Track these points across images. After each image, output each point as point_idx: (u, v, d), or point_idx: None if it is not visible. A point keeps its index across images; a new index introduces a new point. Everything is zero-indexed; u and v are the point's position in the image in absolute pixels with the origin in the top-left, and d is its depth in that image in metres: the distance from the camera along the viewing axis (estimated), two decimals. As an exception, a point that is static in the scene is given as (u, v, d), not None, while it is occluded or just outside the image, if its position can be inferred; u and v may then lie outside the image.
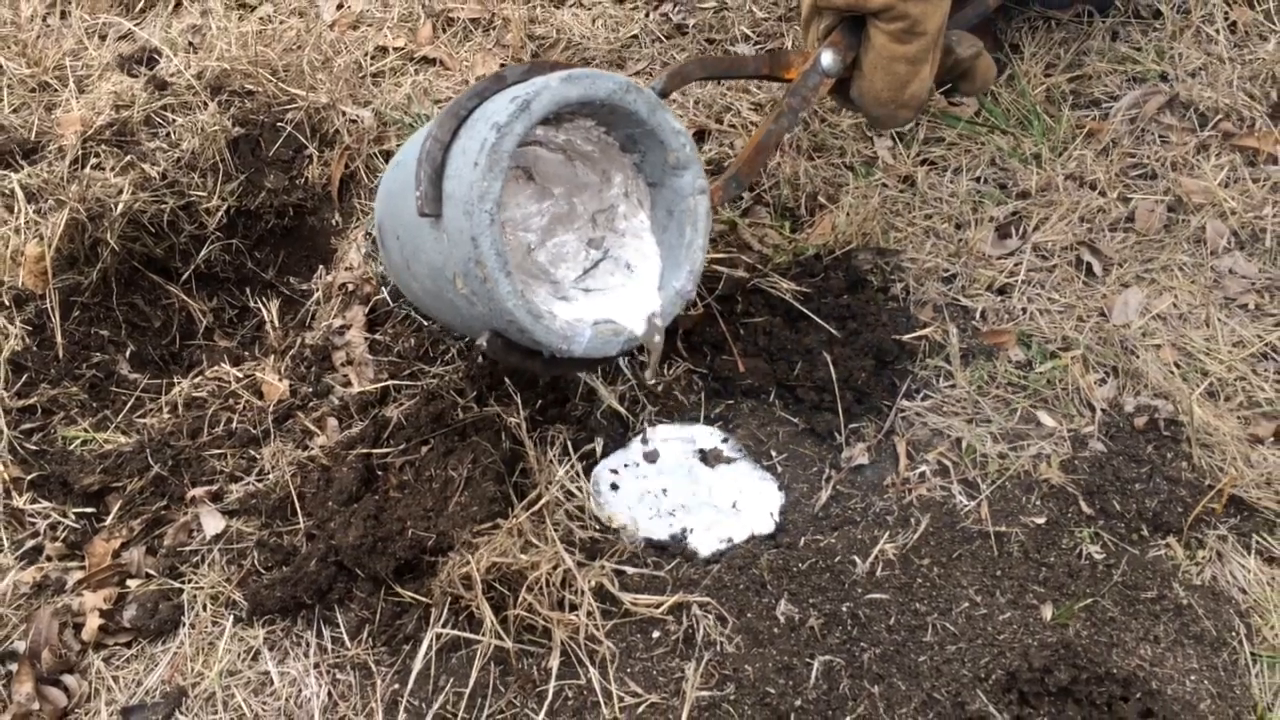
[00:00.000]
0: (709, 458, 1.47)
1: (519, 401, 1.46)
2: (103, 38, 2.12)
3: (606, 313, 1.36)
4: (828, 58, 1.46)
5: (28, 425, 1.56)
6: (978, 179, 1.82)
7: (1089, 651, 1.26)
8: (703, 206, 1.38)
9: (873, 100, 1.48)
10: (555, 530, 1.35)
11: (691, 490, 1.44)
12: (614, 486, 1.44)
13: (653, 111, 1.32)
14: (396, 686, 1.29)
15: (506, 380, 1.50)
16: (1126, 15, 2.02)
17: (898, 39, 1.41)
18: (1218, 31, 1.97)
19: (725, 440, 1.49)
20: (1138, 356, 1.55)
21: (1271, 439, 1.48)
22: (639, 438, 1.49)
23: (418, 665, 1.28)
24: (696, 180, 1.37)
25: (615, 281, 1.43)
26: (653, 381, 1.49)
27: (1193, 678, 1.28)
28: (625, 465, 1.46)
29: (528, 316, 1.24)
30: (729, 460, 1.47)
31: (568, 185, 1.44)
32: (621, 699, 1.24)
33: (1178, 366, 1.55)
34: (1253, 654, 1.30)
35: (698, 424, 1.51)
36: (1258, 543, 1.39)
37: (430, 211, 1.24)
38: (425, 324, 1.64)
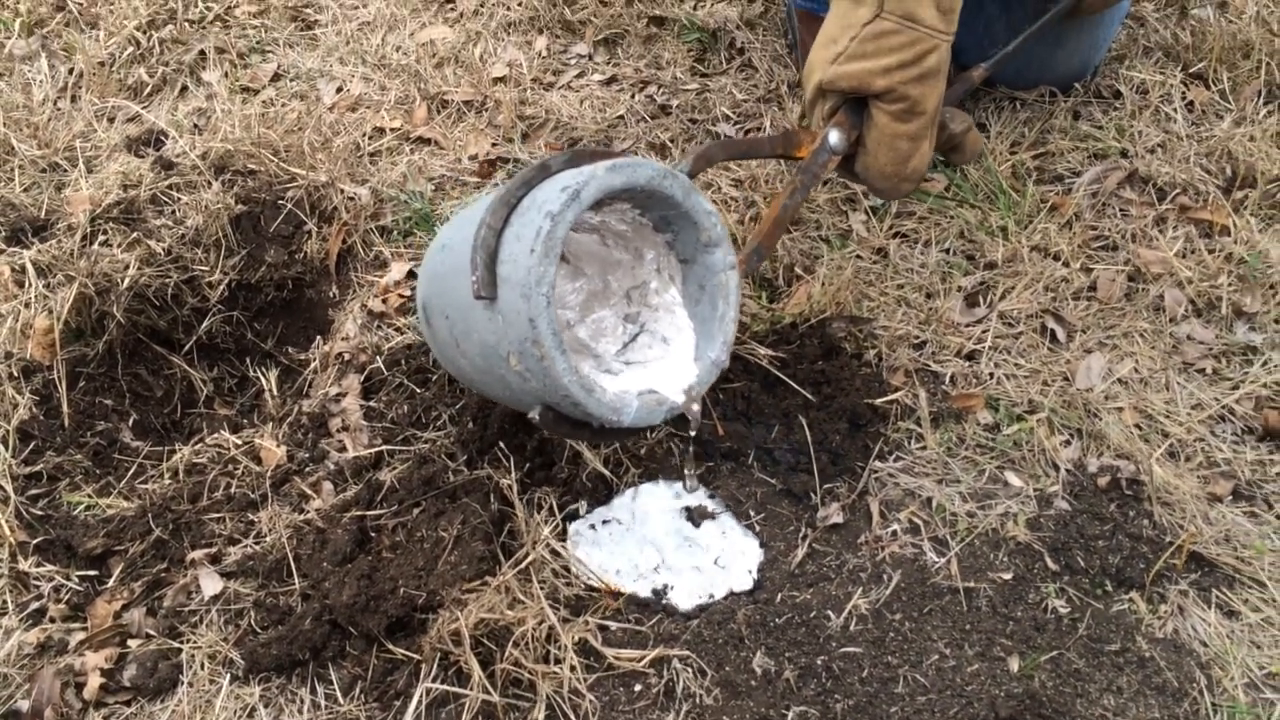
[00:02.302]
0: (694, 515, 1.52)
1: (510, 465, 1.52)
2: (111, 120, 2.21)
3: (648, 384, 1.42)
4: (834, 137, 1.55)
5: (34, 491, 1.61)
6: (947, 251, 1.90)
7: (1054, 702, 1.31)
8: (733, 281, 1.44)
9: (877, 174, 1.56)
10: (541, 588, 1.40)
11: (674, 547, 1.49)
12: (597, 545, 1.49)
13: (687, 195, 1.39)
14: (387, 741, 1.33)
15: (500, 444, 1.56)
16: (1088, 95, 2.12)
17: (899, 118, 1.49)
18: (1175, 110, 2.06)
19: (711, 496, 1.55)
20: (1100, 419, 1.62)
21: (1229, 498, 1.54)
22: (623, 497, 1.55)
23: (408, 720, 1.32)
24: (727, 256, 1.43)
25: (653, 354, 1.48)
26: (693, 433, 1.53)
27: (1156, 727, 1.32)
28: (607, 523, 1.51)
29: (581, 391, 1.29)
30: (713, 515, 1.52)
31: (600, 263, 1.49)
32: (604, 751, 1.28)
33: (1139, 428, 1.61)
34: (1213, 704, 1.35)
35: (680, 482, 1.56)
36: (1217, 597, 1.44)
37: (486, 295, 1.28)
38: (418, 391, 1.70)
